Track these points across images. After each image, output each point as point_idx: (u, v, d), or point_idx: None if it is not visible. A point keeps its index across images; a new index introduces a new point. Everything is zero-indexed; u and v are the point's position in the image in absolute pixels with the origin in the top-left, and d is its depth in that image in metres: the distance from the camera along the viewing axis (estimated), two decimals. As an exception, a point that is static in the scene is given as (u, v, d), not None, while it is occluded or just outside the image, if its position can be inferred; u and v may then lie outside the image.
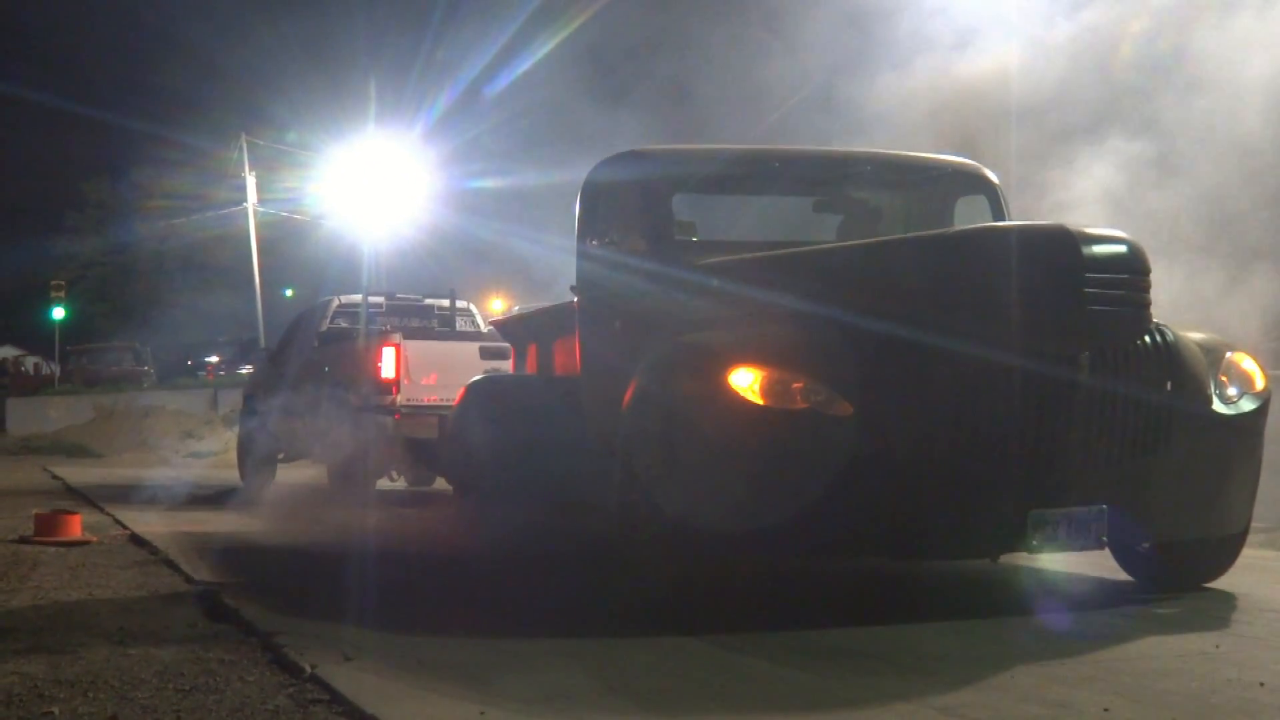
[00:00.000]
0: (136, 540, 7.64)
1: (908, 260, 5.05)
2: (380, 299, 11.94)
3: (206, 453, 19.63)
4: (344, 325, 11.52)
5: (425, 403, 9.87)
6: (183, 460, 18.62)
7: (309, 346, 11.68)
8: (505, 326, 8.79)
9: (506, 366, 8.93)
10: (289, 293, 39.39)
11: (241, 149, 32.79)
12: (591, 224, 6.38)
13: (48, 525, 7.63)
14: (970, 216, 6.39)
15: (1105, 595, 5.36)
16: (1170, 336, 4.83)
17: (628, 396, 5.25)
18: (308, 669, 3.92)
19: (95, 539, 7.64)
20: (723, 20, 13.83)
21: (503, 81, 18.94)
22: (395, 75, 26.92)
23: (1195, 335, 5.10)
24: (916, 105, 10.26)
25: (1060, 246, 4.59)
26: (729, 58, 13.22)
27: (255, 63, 40.40)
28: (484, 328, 11.48)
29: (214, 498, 11.11)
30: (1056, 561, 5.47)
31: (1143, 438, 4.70)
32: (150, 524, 8.47)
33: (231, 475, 12.95)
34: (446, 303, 11.75)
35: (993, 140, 9.84)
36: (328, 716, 3.53)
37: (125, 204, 42.23)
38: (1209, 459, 4.91)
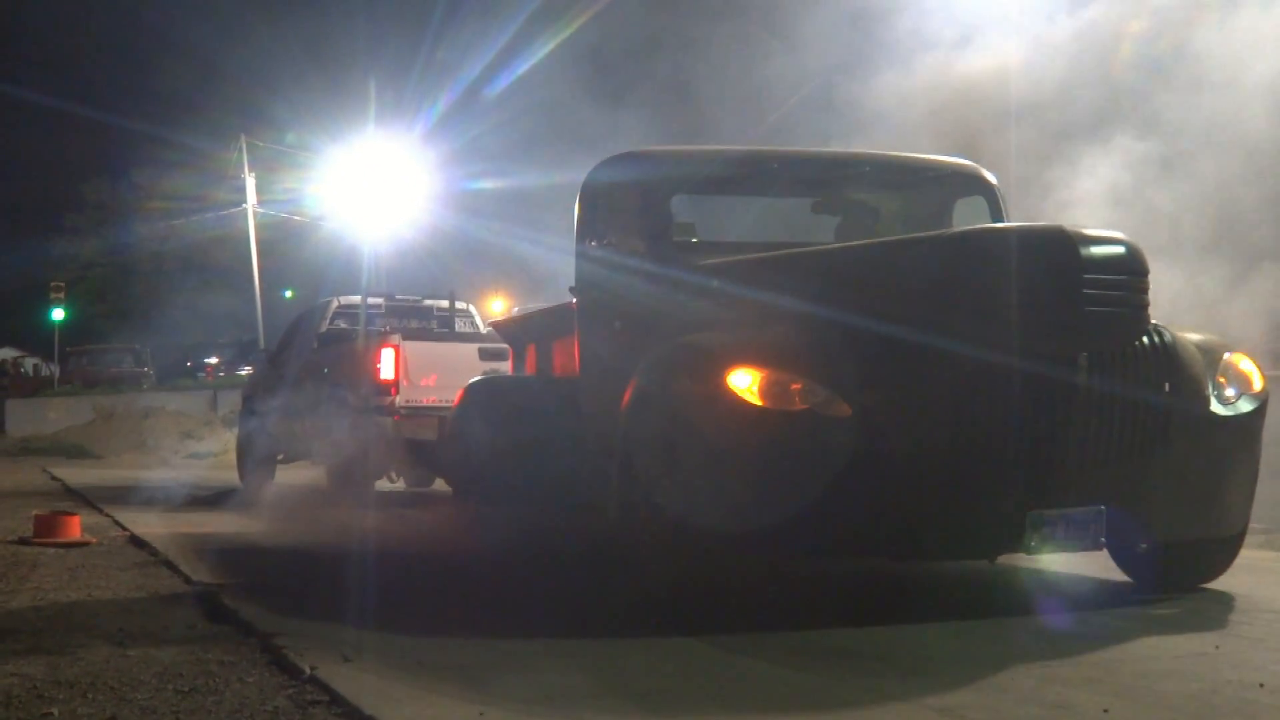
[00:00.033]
0: (136, 541, 7.65)
1: (906, 261, 5.05)
2: (380, 300, 11.95)
3: (206, 454, 19.65)
4: (343, 326, 11.52)
5: (424, 404, 9.86)
6: (182, 461, 18.64)
7: (308, 347, 11.67)
8: (504, 327, 8.78)
9: (506, 367, 8.93)
10: (288, 294, 39.33)
11: (241, 150, 32.83)
12: (590, 225, 6.39)
13: (47, 526, 7.63)
14: (969, 217, 6.39)
15: (1104, 596, 5.36)
16: (1168, 337, 4.83)
17: (627, 397, 5.26)
18: (307, 670, 3.92)
19: (95, 540, 7.64)
20: (723, 20, 13.82)
21: (503, 82, 18.95)
22: (395, 76, 26.98)
23: (1193, 336, 5.10)
24: (916, 105, 10.26)
25: (1058, 247, 4.60)
26: (729, 58, 13.23)
27: (255, 63, 40.47)
28: (483, 329, 11.47)
29: (213, 499, 11.10)
30: (1055, 562, 5.45)
31: (1141, 438, 4.69)
32: (150, 525, 8.47)
33: (231, 476, 12.94)
34: (446, 304, 11.76)
35: (993, 139, 9.82)
36: (327, 717, 3.53)
37: (125, 205, 42.16)
38: (1207, 460, 4.91)
